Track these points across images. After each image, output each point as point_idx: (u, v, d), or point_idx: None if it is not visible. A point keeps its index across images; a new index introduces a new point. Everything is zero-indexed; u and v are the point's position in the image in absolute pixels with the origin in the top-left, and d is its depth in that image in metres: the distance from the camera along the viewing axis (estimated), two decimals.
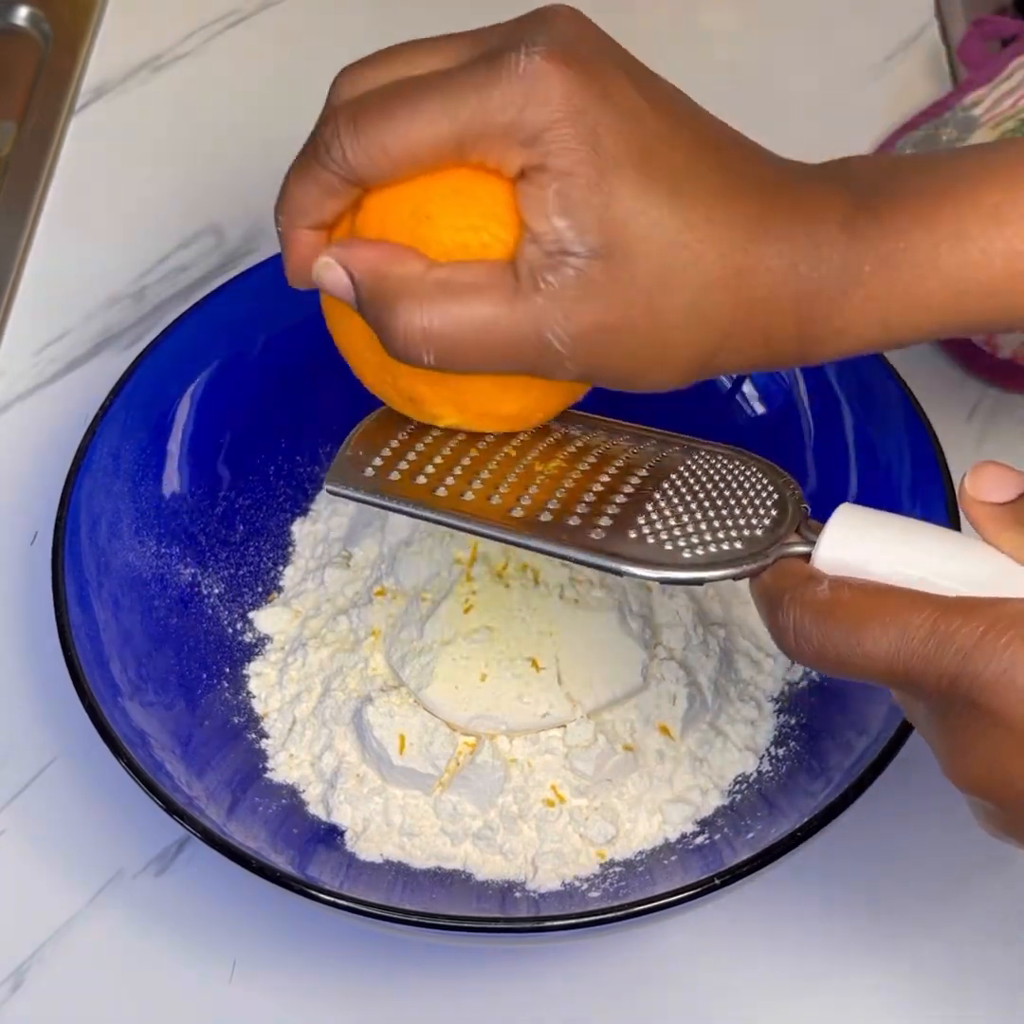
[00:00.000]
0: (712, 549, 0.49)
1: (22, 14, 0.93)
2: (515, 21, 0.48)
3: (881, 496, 0.64)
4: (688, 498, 0.51)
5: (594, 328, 0.47)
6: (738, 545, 0.49)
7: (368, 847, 0.61)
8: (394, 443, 0.54)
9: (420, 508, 0.52)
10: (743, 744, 0.63)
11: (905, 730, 0.56)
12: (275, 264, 0.70)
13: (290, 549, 0.71)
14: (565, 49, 0.46)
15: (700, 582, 0.49)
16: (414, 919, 0.54)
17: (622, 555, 0.49)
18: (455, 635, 0.62)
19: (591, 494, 0.51)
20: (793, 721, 0.64)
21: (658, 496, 0.51)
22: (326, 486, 0.53)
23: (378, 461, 0.53)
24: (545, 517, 0.51)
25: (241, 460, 0.70)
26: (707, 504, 0.50)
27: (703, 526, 0.50)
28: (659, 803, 0.62)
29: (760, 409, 0.69)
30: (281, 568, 0.70)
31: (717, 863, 0.57)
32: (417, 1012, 0.62)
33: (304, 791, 0.63)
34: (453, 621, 0.63)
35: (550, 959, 0.63)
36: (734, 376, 0.70)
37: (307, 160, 0.49)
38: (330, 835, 0.62)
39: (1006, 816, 0.46)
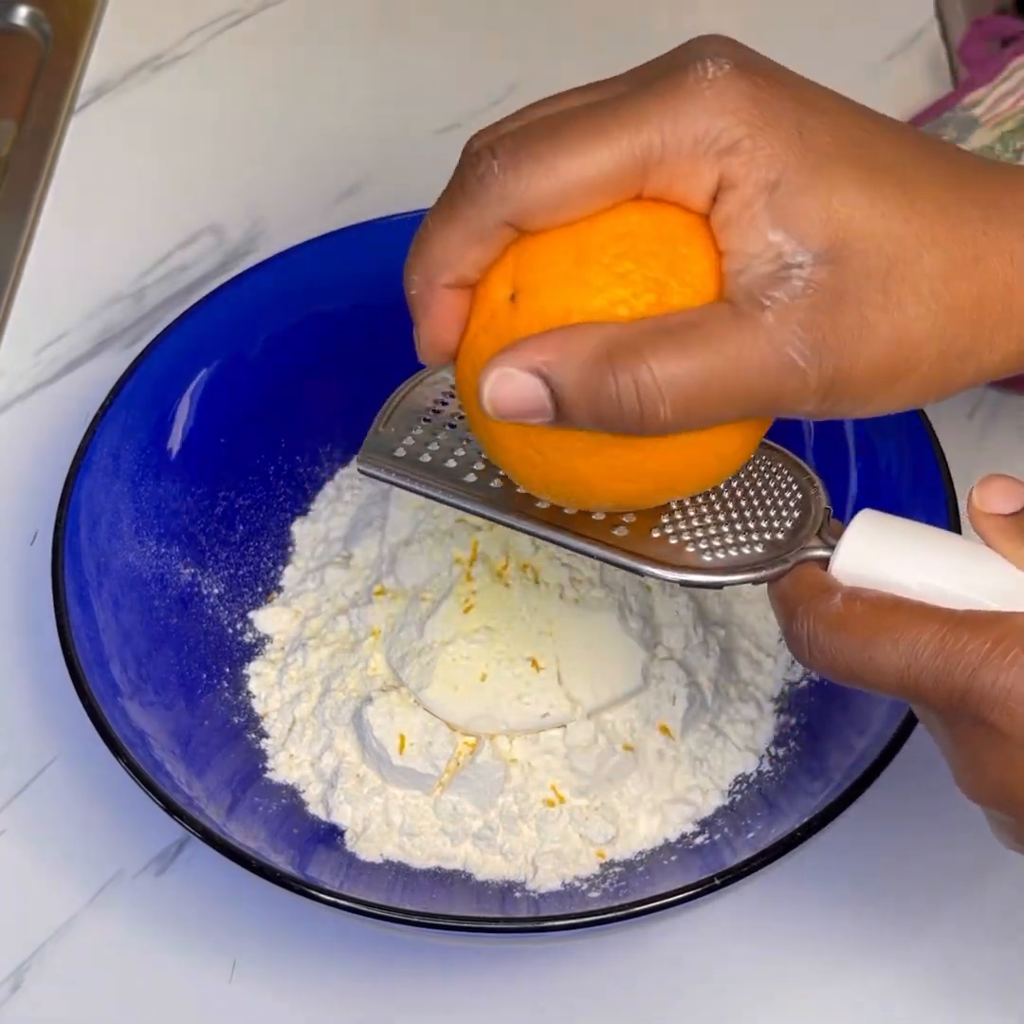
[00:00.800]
0: (732, 553, 0.49)
1: (22, 14, 0.93)
2: (673, 51, 0.44)
3: (881, 496, 0.64)
4: (712, 497, 0.51)
5: (833, 332, 0.42)
6: (759, 549, 0.49)
7: (368, 847, 0.61)
8: (425, 421, 0.53)
9: (447, 494, 0.51)
10: (743, 744, 0.63)
11: (905, 730, 0.56)
12: (275, 264, 0.70)
13: (290, 549, 0.71)
14: (749, 61, 0.43)
15: (720, 586, 0.49)
16: (414, 919, 0.54)
17: (643, 555, 0.49)
18: (455, 635, 0.62)
19: None
20: (793, 721, 0.64)
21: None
22: (357, 466, 0.53)
23: (409, 440, 0.53)
24: (570, 510, 0.50)
25: (241, 460, 0.70)
26: (730, 505, 0.51)
27: (725, 529, 0.50)
28: (659, 803, 0.62)
29: None
30: (281, 568, 0.70)
31: (717, 863, 0.57)
32: (417, 1012, 0.62)
33: (304, 791, 0.63)
34: (453, 621, 0.63)
35: (550, 959, 0.63)
36: None
37: (452, 200, 0.43)
38: (330, 835, 0.62)
39: (1021, 828, 0.46)
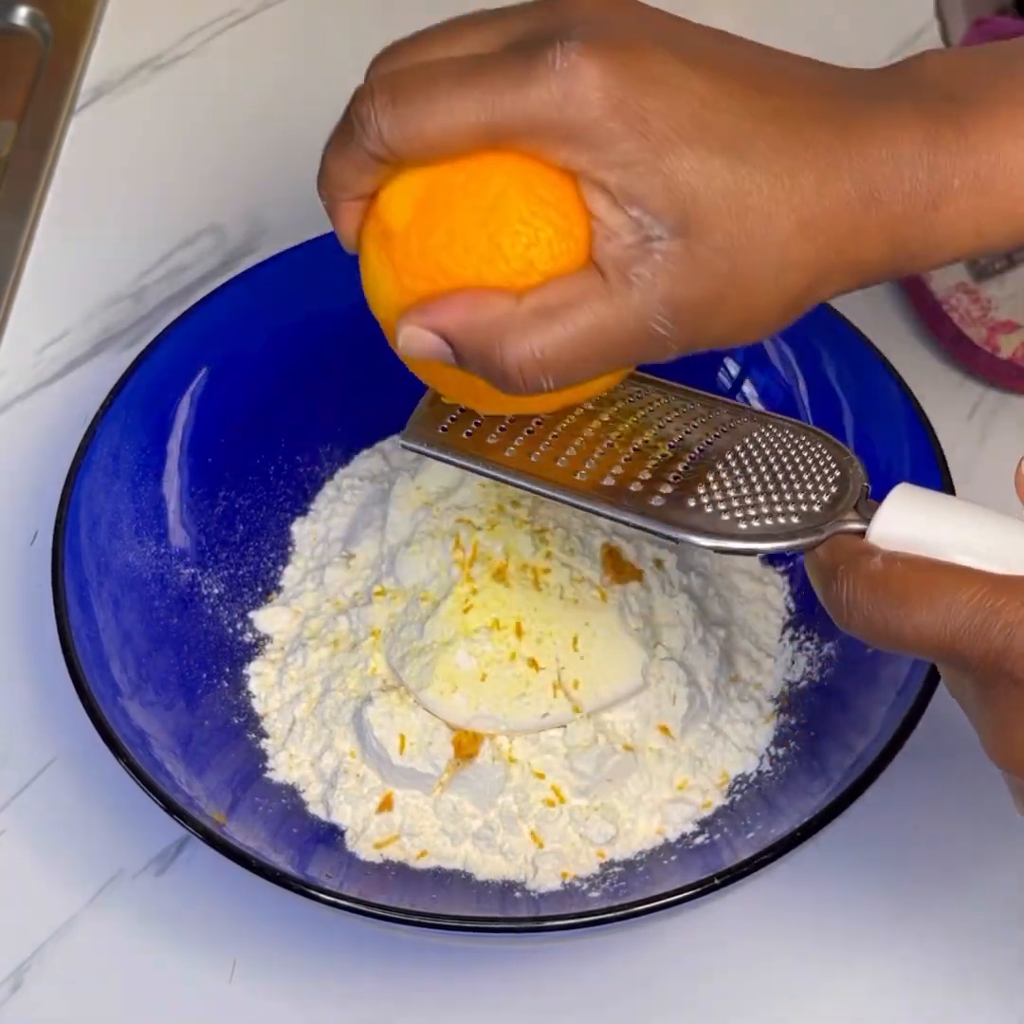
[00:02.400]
0: (768, 522, 0.50)
1: (22, 14, 0.93)
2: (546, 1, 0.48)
3: (880, 496, 0.64)
4: (749, 470, 0.52)
5: (691, 305, 0.47)
6: (795, 520, 0.50)
7: (368, 847, 0.61)
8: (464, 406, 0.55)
9: (488, 467, 0.53)
10: (743, 744, 0.63)
11: (905, 731, 0.56)
12: (275, 264, 0.70)
13: (290, 549, 0.71)
14: (601, 37, 0.46)
15: (754, 552, 0.51)
16: (414, 919, 0.54)
17: (679, 523, 0.51)
18: (455, 635, 0.62)
19: (654, 461, 0.52)
20: (793, 721, 0.64)
21: (720, 466, 0.52)
22: (401, 441, 0.55)
23: (451, 419, 0.54)
24: (608, 481, 0.52)
25: (241, 460, 0.70)
26: (767, 477, 0.51)
27: (761, 499, 0.51)
28: (659, 803, 0.62)
29: (760, 409, 0.69)
30: (281, 568, 0.70)
31: (717, 863, 0.57)
32: (417, 1012, 0.62)
33: (304, 791, 0.63)
34: (453, 621, 0.63)
35: (550, 959, 0.63)
36: (734, 376, 0.70)
37: (343, 136, 0.49)
38: (330, 835, 0.62)
39: None
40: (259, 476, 0.71)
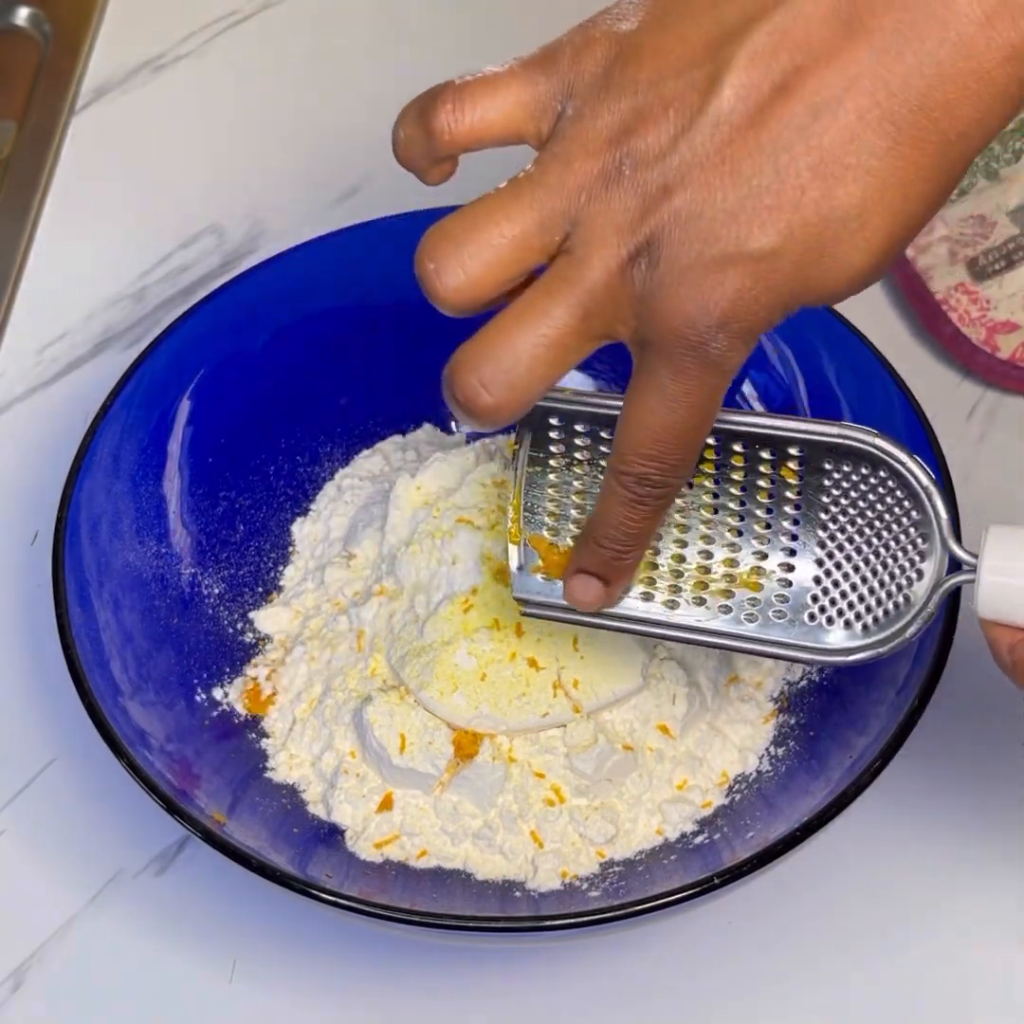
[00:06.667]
0: (875, 616, 0.53)
1: (22, 14, 0.93)
2: None
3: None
4: (841, 562, 0.53)
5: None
6: (900, 605, 0.52)
7: (368, 847, 0.61)
8: (552, 531, 0.56)
9: (600, 617, 0.55)
10: (742, 744, 0.63)
11: (904, 730, 0.56)
12: (275, 264, 0.70)
13: (290, 549, 0.71)
14: None
15: (881, 656, 0.53)
16: (414, 919, 0.54)
17: (806, 646, 0.54)
18: (455, 635, 0.62)
19: (764, 578, 0.54)
20: (793, 721, 0.64)
21: (819, 569, 0.54)
22: (522, 611, 0.57)
23: (542, 570, 0.56)
24: (723, 607, 0.54)
25: (241, 460, 0.70)
26: (860, 562, 0.53)
27: (860, 595, 0.53)
28: (659, 803, 0.62)
29: (760, 409, 0.69)
30: (281, 568, 0.70)
31: (717, 863, 0.57)
32: (417, 1012, 0.62)
33: (304, 791, 0.63)
34: (453, 621, 0.63)
35: (550, 959, 0.63)
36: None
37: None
38: (330, 835, 0.62)
39: None
40: (259, 476, 0.71)
